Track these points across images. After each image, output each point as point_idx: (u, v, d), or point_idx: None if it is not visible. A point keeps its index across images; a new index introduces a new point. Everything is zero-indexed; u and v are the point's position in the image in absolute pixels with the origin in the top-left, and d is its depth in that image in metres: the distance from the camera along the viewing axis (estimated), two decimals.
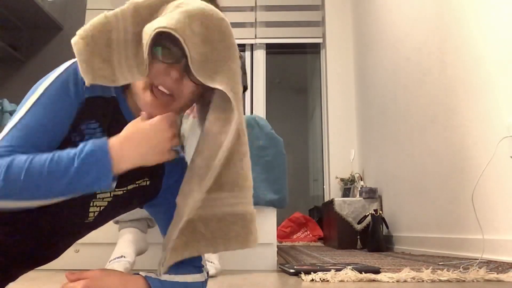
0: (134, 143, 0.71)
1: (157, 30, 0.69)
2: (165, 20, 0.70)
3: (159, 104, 0.76)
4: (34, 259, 0.83)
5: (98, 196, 0.81)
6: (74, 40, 0.70)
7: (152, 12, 0.75)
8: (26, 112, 0.72)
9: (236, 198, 0.79)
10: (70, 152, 0.68)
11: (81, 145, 0.69)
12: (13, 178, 0.65)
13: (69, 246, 0.88)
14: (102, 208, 0.83)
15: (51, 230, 0.79)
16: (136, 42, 0.73)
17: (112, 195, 0.83)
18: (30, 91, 0.75)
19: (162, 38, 0.72)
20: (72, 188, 0.68)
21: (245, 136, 0.78)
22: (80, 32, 0.71)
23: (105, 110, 0.78)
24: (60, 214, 0.78)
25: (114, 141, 0.70)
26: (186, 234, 0.79)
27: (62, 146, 0.74)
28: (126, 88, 0.81)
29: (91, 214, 0.82)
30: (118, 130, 0.76)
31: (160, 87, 0.75)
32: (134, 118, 0.78)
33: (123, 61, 0.72)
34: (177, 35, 0.69)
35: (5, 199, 0.66)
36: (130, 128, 0.73)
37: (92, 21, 0.72)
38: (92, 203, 0.81)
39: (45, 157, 0.67)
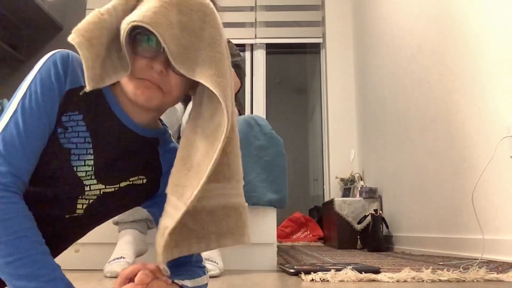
0: None
1: (131, 25, 0.67)
2: (140, 13, 0.68)
3: (145, 86, 0.74)
4: None
5: (86, 193, 0.79)
6: (71, 38, 0.67)
7: (138, 3, 0.73)
8: (10, 118, 0.70)
9: (227, 189, 0.75)
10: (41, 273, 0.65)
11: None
12: None
13: (62, 250, 0.86)
14: (91, 200, 0.80)
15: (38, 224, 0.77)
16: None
17: (101, 192, 0.80)
18: (16, 91, 0.74)
19: (141, 31, 0.71)
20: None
21: (235, 128, 0.75)
22: (78, 28, 0.68)
23: (88, 100, 0.76)
24: (46, 208, 0.76)
25: None
26: (175, 232, 0.72)
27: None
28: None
29: (79, 208, 0.80)
30: (103, 120, 0.76)
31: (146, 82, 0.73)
32: (120, 107, 0.78)
33: (107, 59, 0.71)
34: (150, 29, 0.67)
35: None
36: None
37: (87, 18, 0.70)
38: (80, 197, 0.79)
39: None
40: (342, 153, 4.52)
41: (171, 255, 0.73)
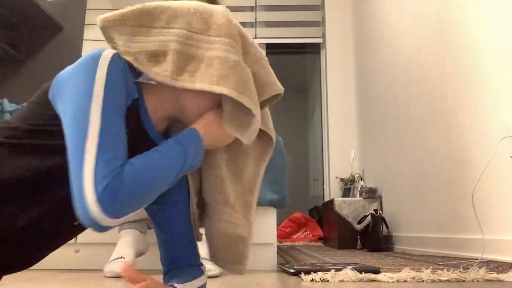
0: (212, 128, 0.79)
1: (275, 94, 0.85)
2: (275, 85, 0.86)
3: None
4: (14, 266, 0.80)
5: None
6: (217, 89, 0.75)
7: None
8: (102, 121, 0.66)
9: (240, 219, 0.87)
10: (166, 143, 0.74)
11: (174, 136, 0.75)
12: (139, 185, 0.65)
13: (52, 251, 0.87)
14: None
15: (43, 236, 0.77)
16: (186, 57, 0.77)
17: None
18: (71, 87, 0.69)
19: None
20: (183, 170, 0.74)
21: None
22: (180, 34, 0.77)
23: (129, 112, 0.75)
24: (57, 221, 0.76)
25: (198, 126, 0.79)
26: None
27: None
28: (142, 87, 0.79)
29: None
30: (133, 129, 0.75)
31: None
32: (150, 121, 0.78)
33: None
34: (246, 104, 0.76)
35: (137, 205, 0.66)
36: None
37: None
38: None
39: (153, 154, 0.70)
40: (342, 153, 4.52)
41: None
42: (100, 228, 0.64)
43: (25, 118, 0.73)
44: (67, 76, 0.72)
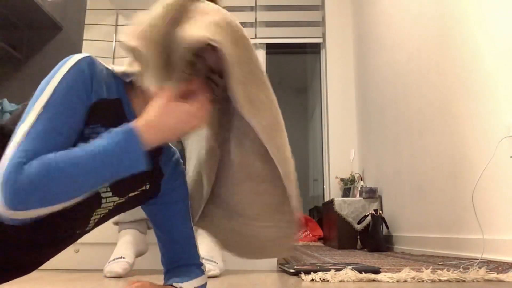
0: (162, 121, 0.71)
1: (205, 39, 0.68)
2: (206, 28, 0.69)
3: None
4: (16, 271, 0.80)
5: (102, 205, 0.79)
6: (129, 43, 0.69)
7: (180, 13, 0.74)
8: (38, 116, 0.67)
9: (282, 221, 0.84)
10: (96, 141, 0.67)
11: (105, 133, 0.68)
12: (48, 179, 0.62)
13: (54, 255, 0.88)
14: (102, 215, 0.82)
15: (47, 242, 0.77)
16: (168, 46, 0.72)
17: (115, 203, 0.81)
18: (38, 89, 0.71)
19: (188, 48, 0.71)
20: (116, 172, 0.67)
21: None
22: (133, 33, 0.70)
23: (108, 113, 0.75)
24: (61, 225, 0.75)
25: (139, 122, 0.70)
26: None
27: None
28: (130, 89, 0.79)
29: (91, 223, 0.81)
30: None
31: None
32: (135, 117, 0.77)
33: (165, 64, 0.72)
34: (223, 49, 0.68)
35: (43, 205, 0.63)
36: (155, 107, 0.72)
37: (139, 21, 0.71)
38: (95, 212, 0.79)
39: (75, 150, 0.66)
40: (342, 153, 4.52)
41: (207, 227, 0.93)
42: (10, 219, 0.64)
43: (15, 119, 0.73)
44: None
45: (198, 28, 0.69)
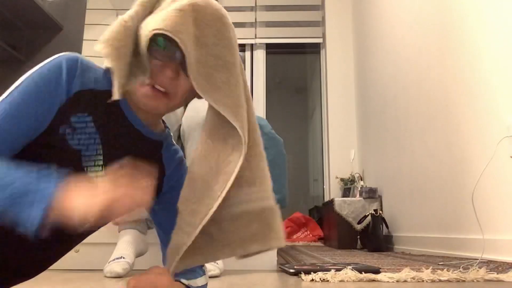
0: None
1: (154, 32, 0.69)
2: (160, 20, 0.70)
3: (154, 96, 0.75)
4: (20, 275, 0.80)
5: None
6: (99, 48, 0.69)
7: (154, 9, 0.75)
8: (1, 102, 0.70)
9: (249, 194, 0.77)
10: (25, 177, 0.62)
11: (43, 173, 0.63)
12: None
13: (58, 258, 0.87)
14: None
15: (53, 241, 0.77)
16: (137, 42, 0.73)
17: None
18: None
19: (157, 36, 0.72)
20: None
21: (258, 137, 0.81)
22: (106, 39, 0.70)
23: (97, 102, 0.76)
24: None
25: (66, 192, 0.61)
26: (196, 240, 0.73)
27: (49, 137, 0.72)
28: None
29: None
30: (113, 120, 0.76)
31: (156, 86, 0.74)
32: (128, 106, 0.78)
33: (131, 65, 0.73)
34: (172, 36, 0.68)
35: None
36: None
37: (112, 26, 0.71)
38: None
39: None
40: (342, 153, 4.52)
41: (193, 262, 0.77)
42: None
43: None
44: None
45: (155, 21, 0.70)
